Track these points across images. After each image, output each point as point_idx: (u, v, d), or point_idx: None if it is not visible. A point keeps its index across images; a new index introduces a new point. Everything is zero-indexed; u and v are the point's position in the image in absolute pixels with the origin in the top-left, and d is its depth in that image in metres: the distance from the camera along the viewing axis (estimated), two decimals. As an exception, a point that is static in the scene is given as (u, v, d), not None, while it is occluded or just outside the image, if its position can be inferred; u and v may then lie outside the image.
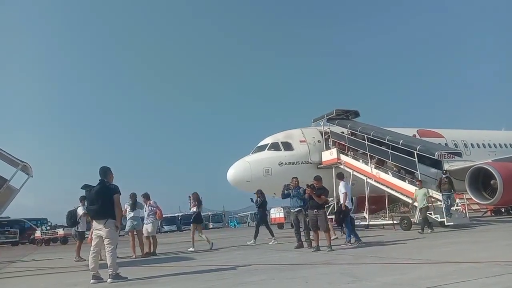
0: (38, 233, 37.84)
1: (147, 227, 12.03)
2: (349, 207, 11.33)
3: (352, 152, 18.53)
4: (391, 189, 16.17)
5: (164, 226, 54.04)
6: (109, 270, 6.52)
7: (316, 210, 9.65)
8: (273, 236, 13.27)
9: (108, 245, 6.64)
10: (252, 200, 14.46)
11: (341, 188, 11.36)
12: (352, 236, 10.64)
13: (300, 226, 11.26)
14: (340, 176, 12.28)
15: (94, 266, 6.58)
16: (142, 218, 12.19)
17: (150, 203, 12.24)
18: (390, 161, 16.61)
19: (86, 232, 12.09)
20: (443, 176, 14.98)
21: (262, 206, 13.98)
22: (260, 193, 13.92)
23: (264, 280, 5.50)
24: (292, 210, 11.78)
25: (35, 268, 10.89)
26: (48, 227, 38.36)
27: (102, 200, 6.66)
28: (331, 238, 9.92)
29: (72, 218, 12.33)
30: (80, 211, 12.03)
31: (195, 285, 5.69)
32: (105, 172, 7.00)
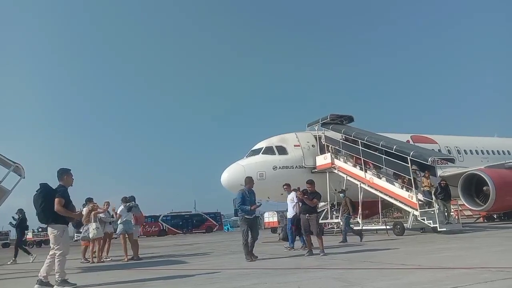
0: (29, 235, 37.52)
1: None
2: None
3: (345, 157, 18.59)
4: (385, 194, 16.23)
5: None
6: (56, 276, 6.21)
7: (308, 215, 9.65)
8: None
9: (55, 250, 6.27)
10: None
11: (293, 197, 11.52)
12: (291, 243, 11.48)
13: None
14: (289, 185, 12.34)
15: (43, 270, 6.24)
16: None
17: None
18: (384, 167, 16.66)
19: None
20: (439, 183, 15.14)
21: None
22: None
23: (256, 285, 5.49)
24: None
25: (26, 270, 10.79)
26: (40, 229, 38.06)
27: (44, 204, 6.37)
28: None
29: (77, 220, 12.31)
30: (83, 212, 12.04)
31: (187, 289, 5.67)
32: (60, 174, 6.71)
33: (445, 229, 13.93)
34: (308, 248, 9.63)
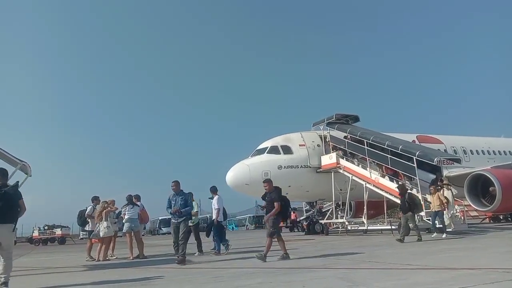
0: (36, 233, 37.70)
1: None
2: (221, 221, 11.45)
3: (349, 155, 18.55)
4: (390, 194, 16.15)
5: (162, 228, 53.97)
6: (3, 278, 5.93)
7: (268, 217, 9.00)
8: None
9: (4, 252, 5.99)
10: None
11: (215, 203, 11.38)
12: (218, 248, 11.23)
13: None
14: (214, 189, 11.79)
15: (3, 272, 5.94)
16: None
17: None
18: (390, 166, 16.60)
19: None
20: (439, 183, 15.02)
21: None
22: None
23: (261, 284, 5.49)
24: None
25: (32, 267, 10.87)
26: (46, 227, 38.23)
27: (13, 202, 6.08)
28: None
29: (82, 218, 12.42)
30: (89, 210, 12.11)
31: (191, 287, 5.68)
32: (4, 174, 6.50)
33: (451, 230, 13.84)
34: (283, 250, 8.87)
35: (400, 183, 14.80)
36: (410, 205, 12.75)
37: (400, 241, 11.64)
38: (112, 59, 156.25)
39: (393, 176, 16.20)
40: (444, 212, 13.36)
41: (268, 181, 9.35)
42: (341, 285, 4.91)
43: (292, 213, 32.62)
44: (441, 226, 13.34)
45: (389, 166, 16.47)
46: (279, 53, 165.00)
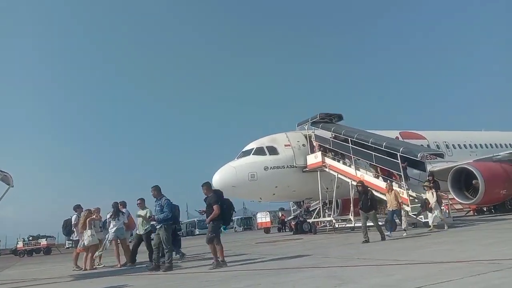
0: (20, 244, 36.98)
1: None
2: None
3: (333, 154, 18.66)
4: (375, 191, 16.27)
5: None
6: None
7: (207, 221, 8.73)
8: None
9: None
10: None
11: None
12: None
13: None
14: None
15: None
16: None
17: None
18: (374, 163, 16.75)
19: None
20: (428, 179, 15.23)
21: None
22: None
23: (251, 286, 5.48)
24: None
25: (18, 280, 10.66)
26: (30, 238, 37.52)
27: None
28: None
29: (68, 227, 12.22)
30: (74, 220, 11.91)
31: (181, 293, 5.64)
32: None
33: (436, 224, 14.04)
34: (214, 258, 8.47)
35: (361, 180, 14.35)
36: (373, 203, 12.24)
37: (366, 242, 11.03)
38: (96, 65, 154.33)
39: (388, 177, 16.19)
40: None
41: (205, 185, 8.86)
42: (330, 284, 4.93)
43: (280, 214, 32.90)
44: (427, 220, 13.58)
45: (384, 167, 16.50)
46: (262, 53, 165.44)
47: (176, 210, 9.53)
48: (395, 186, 15.02)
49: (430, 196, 13.95)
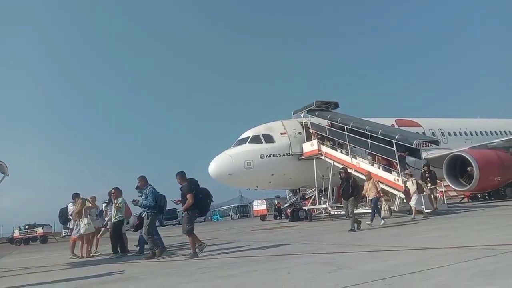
0: (16, 233, 36.98)
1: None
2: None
3: (331, 142, 18.67)
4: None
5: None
6: None
7: (183, 212, 8.65)
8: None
9: None
10: None
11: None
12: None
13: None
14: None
15: None
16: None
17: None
18: (370, 151, 16.79)
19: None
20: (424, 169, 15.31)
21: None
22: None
23: (247, 272, 5.52)
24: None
25: (14, 268, 10.68)
26: (26, 226, 37.51)
27: None
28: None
29: (64, 216, 12.25)
30: (71, 208, 11.91)
31: (178, 280, 5.66)
32: None
33: (431, 210, 14.15)
34: (192, 250, 8.32)
35: (344, 166, 14.07)
36: (354, 190, 11.82)
37: (352, 231, 10.76)
38: (99, 60, 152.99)
39: (387, 166, 16.16)
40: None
41: (178, 174, 8.59)
42: (326, 270, 4.96)
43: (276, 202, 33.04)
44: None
45: (380, 155, 16.49)
46: (257, 41, 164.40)
47: (162, 200, 9.47)
48: (394, 175, 15.08)
49: (410, 184, 14.00)
